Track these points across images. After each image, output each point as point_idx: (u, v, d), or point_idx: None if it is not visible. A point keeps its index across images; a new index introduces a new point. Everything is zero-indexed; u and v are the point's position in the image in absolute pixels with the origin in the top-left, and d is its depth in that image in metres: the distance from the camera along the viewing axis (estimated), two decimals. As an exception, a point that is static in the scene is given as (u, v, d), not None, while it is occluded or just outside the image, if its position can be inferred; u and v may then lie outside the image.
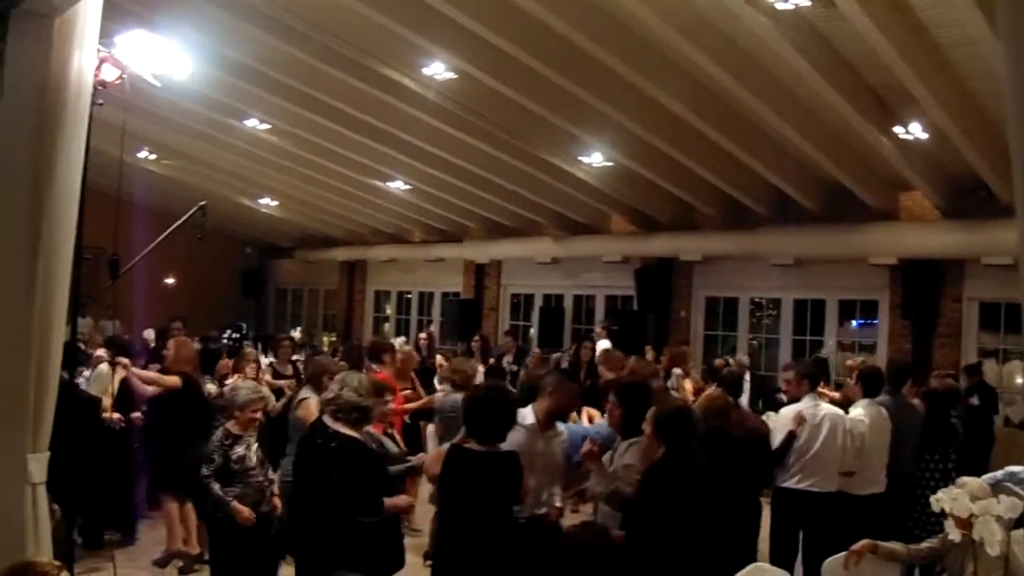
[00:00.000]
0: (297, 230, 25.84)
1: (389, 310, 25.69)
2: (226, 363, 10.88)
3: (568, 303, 20.55)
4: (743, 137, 13.17)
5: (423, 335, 15.64)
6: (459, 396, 8.28)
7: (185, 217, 9.03)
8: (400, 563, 6.73)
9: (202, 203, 9.08)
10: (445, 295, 23.41)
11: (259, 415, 7.33)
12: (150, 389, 9.70)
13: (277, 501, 7.25)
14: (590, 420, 9.26)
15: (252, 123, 15.84)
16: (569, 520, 7.12)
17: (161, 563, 9.12)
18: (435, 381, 12.66)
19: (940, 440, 8.74)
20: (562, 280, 20.55)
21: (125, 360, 9.93)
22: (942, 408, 9.00)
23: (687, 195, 16.04)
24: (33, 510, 5.07)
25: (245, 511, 6.93)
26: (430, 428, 10.57)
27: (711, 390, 8.08)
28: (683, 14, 9.95)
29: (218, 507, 7.02)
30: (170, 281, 24.06)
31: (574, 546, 5.08)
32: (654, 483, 5.96)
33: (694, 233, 17.20)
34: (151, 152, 18.77)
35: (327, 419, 6.17)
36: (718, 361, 13.21)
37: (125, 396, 9.78)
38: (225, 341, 15.13)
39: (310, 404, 7.95)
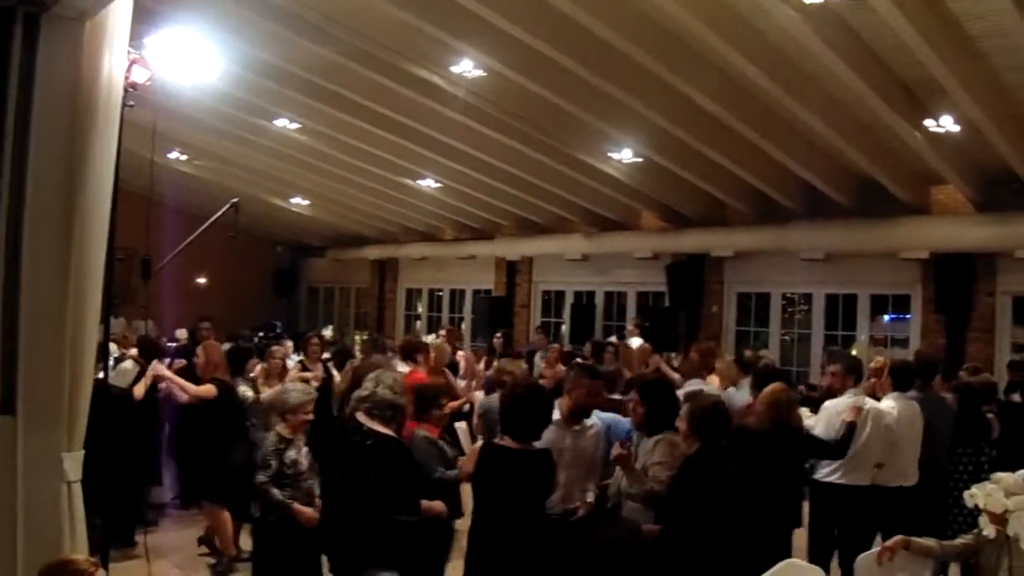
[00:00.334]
0: (328, 229, 25.92)
1: (421, 308, 25.74)
2: (256, 362, 10.90)
3: (599, 300, 20.53)
4: (773, 132, 13.10)
5: (442, 331, 15.58)
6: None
7: (218, 215, 9.10)
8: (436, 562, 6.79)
9: (234, 200, 9.13)
10: (476, 293, 23.42)
11: (311, 417, 7.31)
12: (184, 397, 9.76)
13: (319, 503, 7.15)
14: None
15: (282, 123, 15.89)
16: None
17: (223, 572, 9.12)
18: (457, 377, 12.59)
19: (973, 434, 8.69)
20: (593, 277, 20.51)
21: (161, 368, 10.00)
22: (975, 402, 8.92)
23: (718, 191, 15.97)
24: (69, 508, 5.13)
25: (308, 511, 6.92)
26: (460, 425, 10.53)
27: (772, 385, 8.04)
28: (713, 9, 9.92)
29: (276, 511, 6.97)
30: (202, 281, 24.21)
31: (607, 542, 5.09)
32: (690, 478, 5.96)
33: (725, 229, 17.13)
34: (182, 153, 18.89)
35: (362, 417, 6.19)
36: (748, 353, 13.15)
37: (152, 397, 9.88)
38: (256, 341, 15.18)
39: None
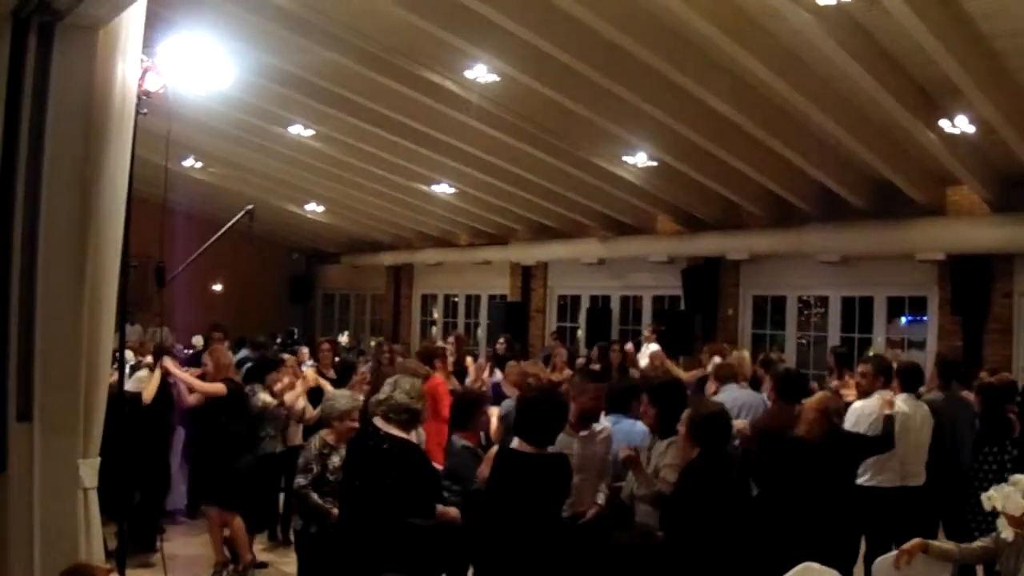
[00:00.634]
0: (343, 235, 25.97)
1: (436, 314, 25.77)
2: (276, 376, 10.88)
3: (615, 304, 20.53)
4: (788, 135, 13.07)
5: (450, 338, 15.58)
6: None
7: (233, 221, 9.11)
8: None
9: (249, 207, 9.15)
10: (492, 298, 23.43)
11: (356, 424, 7.28)
12: (191, 399, 9.75)
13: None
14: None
15: (296, 129, 15.90)
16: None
17: None
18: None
19: (997, 433, 8.72)
20: (608, 281, 20.50)
21: (170, 363, 9.99)
22: (997, 402, 8.94)
23: (733, 194, 15.93)
24: (85, 514, 5.14)
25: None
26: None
27: (820, 392, 8.07)
28: (726, 13, 9.90)
29: (316, 519, 6.96)
30: (218, 288, 24.28)
31: (621, 547, 5.09)
32: (690, 484, 5.95)
33: (740, 232, 17.09)
34: (196, 160, 18.97)
35: (378, 421, 6.19)
36: (773, 354, 13.15)
37: (164, 399, 9.88)
38: (275, 346, 15.21)
39: None
